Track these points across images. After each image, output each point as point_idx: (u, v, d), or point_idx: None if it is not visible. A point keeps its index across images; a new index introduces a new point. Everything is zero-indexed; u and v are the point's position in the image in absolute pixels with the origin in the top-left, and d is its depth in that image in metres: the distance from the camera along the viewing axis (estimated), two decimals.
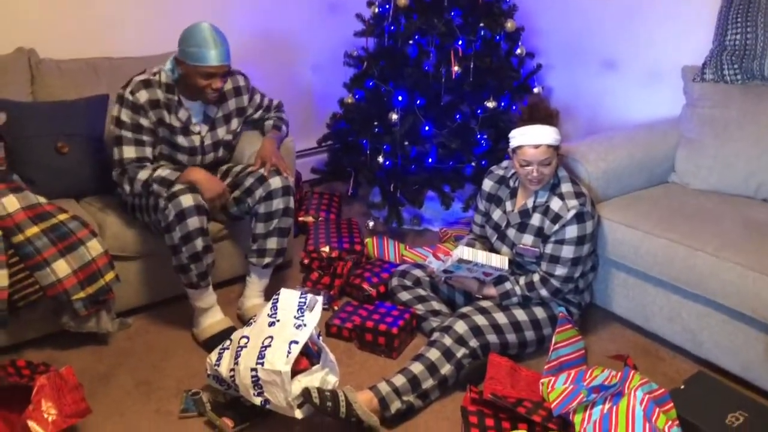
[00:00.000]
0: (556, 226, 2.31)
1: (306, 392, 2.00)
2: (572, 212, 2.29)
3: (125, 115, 2.42)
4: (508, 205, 2.46)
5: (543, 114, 2.29)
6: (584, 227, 2.31)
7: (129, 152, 2.43)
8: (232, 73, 2.65)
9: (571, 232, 2.31)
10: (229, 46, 2.42)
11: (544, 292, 2.35)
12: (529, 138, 2.26)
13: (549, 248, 2.34)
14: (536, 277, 2.37)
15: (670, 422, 1.99)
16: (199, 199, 2.35)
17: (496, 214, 2.50)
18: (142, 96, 2.41)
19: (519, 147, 2.29)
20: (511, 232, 2.43)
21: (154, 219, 2.42)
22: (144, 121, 2.43)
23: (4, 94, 2.63)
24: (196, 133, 2.56)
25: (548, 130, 2.26)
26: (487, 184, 2.56)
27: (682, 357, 2.49)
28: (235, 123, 2.68)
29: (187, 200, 2.31)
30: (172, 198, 2.31)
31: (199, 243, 2.35)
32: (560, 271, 2.34)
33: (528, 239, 2.39)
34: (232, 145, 2.73)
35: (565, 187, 2.35)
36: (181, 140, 2.53)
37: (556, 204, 2.33)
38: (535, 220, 2.38)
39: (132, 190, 2.43)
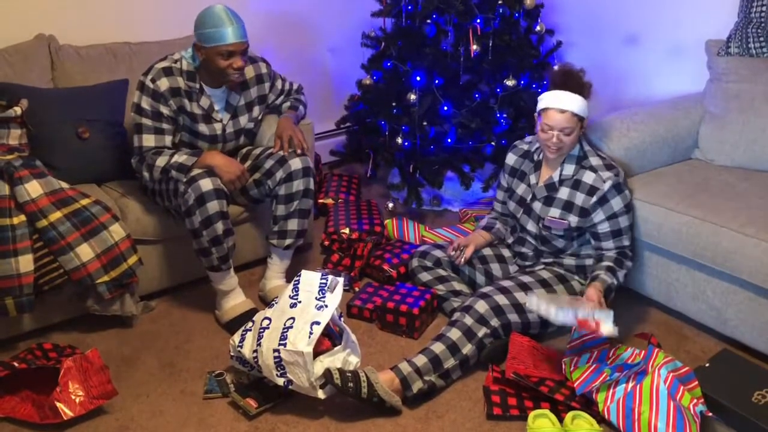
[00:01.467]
0: (594, 198, 2.30)
1: (328, 373, 2.01)
2: (609, 183, 2.29)
3: (145, 103, 2.42)
4: (533, 179, 2.44)
5: (575, 82, 2.27)
6: (625, 196, 2.34)
7: (149, 141, 2.44)
8: (255, 60, 2.64)
9: (617, 203, 2.31)
10: (245, 25, 2.42)
11: (629, 264, 2.37)
12: (557, 102, 2.24)
13: (606, 225, 2.33)
14: (611, 255, 2.34)
15: (695, 400, 1.98)
16: (218, 183, 2.35)
17: (521, 189, 2.48)
18: (163, 84, 2.42)
19: (545, 109, 2.27)
20: (537, 206, 2.41)
21: (175, 204, 2.43)
22: (164, 109, 2.44)
23: (26, 80, 2.65)
24: (218, 120, 2.57)
25: (577, 99, 2.25)
26: (511, 159, 2.54)
27: (706, 335, 2.46)
28: (256, 111, 2.68)
29: (206, 184, 2.32)
30: (192, 182, 2.32)
31: (219, 226, 2.36)
32: (627, 240, 2.37)
33: (555, 212, 2.37)
34: (253, 132, 2.74)
35: (595, 161, 2.34)
36: (202, 128, 2.54)
37: (588, 177, 2.32)
38: (563, 193, 2.36)
39: (151, 177, 2.44)
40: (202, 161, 2.39)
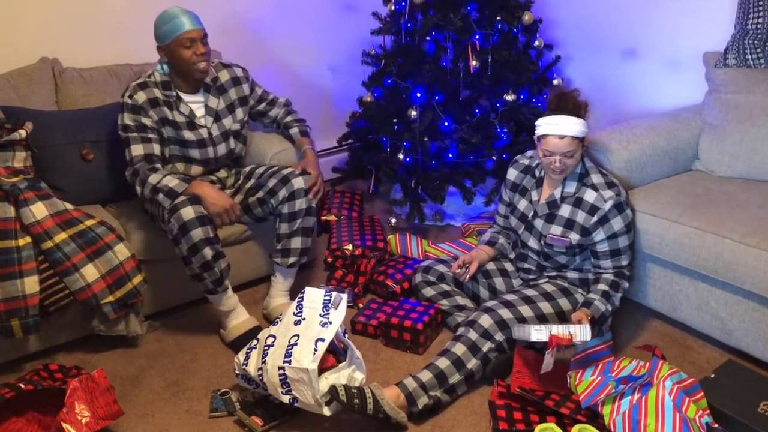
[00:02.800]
0: (595, 218, 2.30)
1: (333, 389, 2.01)
2: (609, 203, 2.29)
3: (128, 119, 2.48)
4: (534, 195, 2.45)
5: (571, 105, 2.27)
6: (626, 216, 2.33)
7: (137, 150, 2.47)
8: (230, 66, 2.71)
9: (617, 223, 2.31)
10: (198, 16, 2.49)
11: (626, 285, 2.39)
12: (555, 128, 2.24)
13: (605, 245, 2.33)
14: (609, 277, 2.36)
15: (700, 411, 1.98)
16: (201, 210, 2.35)
17: (522, 204, 2.49)
18: (141, 97, 2.49)
19: (543, 136, 2.28)
20: (539, 223, 2.42)
21: (166, 228, 2.45)
22: (146, 120, 2.49)
23: (30, 103, 2.68)
24: (202, 125, 2.60)
25: (574, 122, 2.24)
26: (512, 174, 2.55)
27: (711, 346, 2.46)
28: (240, 113, 2.71)
29: (187, 213, 2.32)
30: (174, 211, 2.33)
31: (207, 252, 2.36)
32: (625, 260, 2.37)
33: (557, 230, 2.38)
34: (242, 134, 2.75)
35: (596, 178, 2.35)
36: (188, 135, 2.56)
37: (590, 195, 2.32)
38: (564, 211, 2.36)
39: (142, 193, 2.44)
40: (190, 189, 2.39)
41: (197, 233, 2.33)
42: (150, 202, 2.52)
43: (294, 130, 2.83)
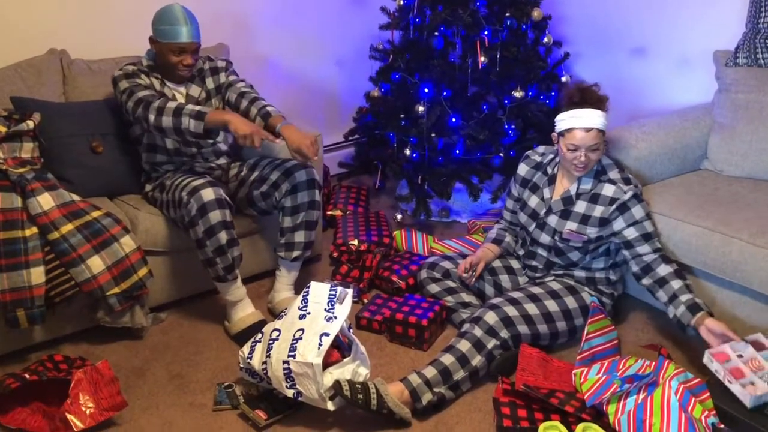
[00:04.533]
0: (614, 206, 2.30)
1: (337, 385, 2.01)
2: (630, 194, 2.29)
3: (124, 84, 2.51)
4: (546, 192, 2.44)
5: (595, 97, 2.25)
6: (645, 206, 2.34)
7: (143, 93, 2.47)
8: (215, 59, 2.75)
9: (638, 212, 2.30)
10: (199, 26, 2.53)
11: (674, 264, 2.29)
12: (581, 121, 2.21)
13: (633, 231, 2.29)
14: (650, 259, 2.27)
15: (706, 412, 1.97)
16: (220, 193, 2.37)
17: (533, 201, 2.48)
18: (130, 67, 2.56)
19: (569, 130, 2.24)
20: (553, 220, 2.40)
21: (179, 215, 2.45)
22: (141, 81, 2.54)
23: (38, 94, 2.68)
24: None
25: (599, 114, 2.23)
26: (523, 169, 2.54)
27: None
28: (215, 102, 2.73)
29: (207, 194, 2.34)
30: (194, 192, 2.34)
31: (222, 236, 2.37)
32: (659, 244, 2.34)
33: (572, 225, 2.36)
34: None
35: (613, 174, 2.34)
36: None
37: (608, 189, 2.32)
38: (580, 207, 2.35)
39: (155, 121, 2.39)
40: (217, 116, 2.35)
41: (215, 215, 2.34)
42: (160, 188, 2.52)
43: (252, 113, 2.64)
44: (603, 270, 2.45)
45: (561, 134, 2.29)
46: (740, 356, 2.05)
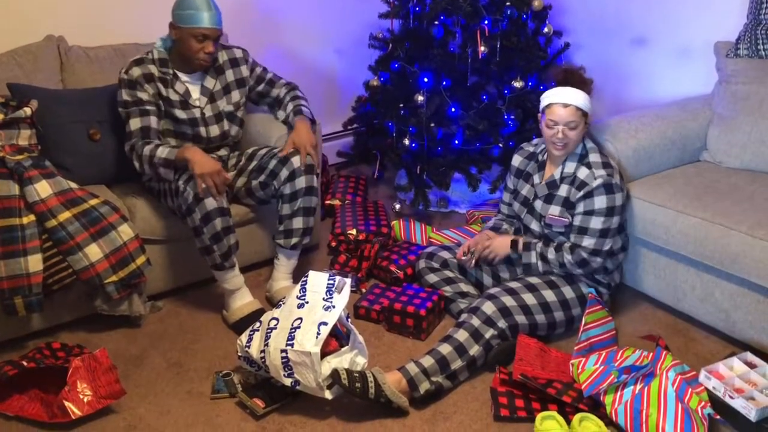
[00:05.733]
0: (581, 193, 2.29)
1: (335, 373, 2.01)
2: (599, 181, 2.27)
3: (126, 95, 2.49)
4: (536, 178, 2.45)
5: (577, 79, 2.29)
6: (613, 198, 2.28)
7: (135, 124, 2.48)
8: (230, 47, 2.70)
9: (600, 202, 2.28)
10: (221, 14, 2.49)
11: (568, 257, 2.32)
12: (560, 97, 2.26)
13: (578, 219, 2.31)
14: (566, 244, 2.35)
15: (703, 403, 1.97)
16: None
17: (525, 189, 2.48)
18: (136, 71, 2.50)
19: (548, 106, 2.29)
20: (539, 204, 2.41)
21: (177, 203, 2.44)
22: (142, 95, 2.49)
23: (35, 81, 2.66)
24: (196, 106, 2.60)
25: (580, 93, 2.27)
26: (517, 160, 2.54)
27: (714, 337, 2.45)
28: (236, 95, 2.70)
29: None
30: (190, 181, 2.34)
31: (218, 223, 2.37)
32: (587, 242, 2.31)
33: (555, 210, 2.37)
34: (237, 117, 2.73)
35: (593, 157, 2.34)
36: (180, 114, 2.57)
37: (582, 172, 2.32)
38: (563, 190, 2.36)
39: (141, 167, 2.46)
40: (180, 153, 2.38)
41: (211, 202, 2.34)
42: (154, 179, 2.52)
43: (288, 109, 2.76)
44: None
45: (542, 112, 2.33)
46: (736, 374, 2.10)
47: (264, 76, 2.79)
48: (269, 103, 2.85)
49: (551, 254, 2.35)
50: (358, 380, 2.02)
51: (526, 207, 2.47)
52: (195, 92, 2.61)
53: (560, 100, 2.26)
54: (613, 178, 2.29)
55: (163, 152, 2.40)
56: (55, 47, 2.81)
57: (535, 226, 2.44)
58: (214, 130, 2.65)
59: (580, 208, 2.31)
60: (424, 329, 2.46)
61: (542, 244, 2.38)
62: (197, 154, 2.36)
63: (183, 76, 2.58)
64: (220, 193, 2.37)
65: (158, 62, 2.54)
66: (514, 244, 2.44)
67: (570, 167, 2.35)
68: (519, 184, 2.52)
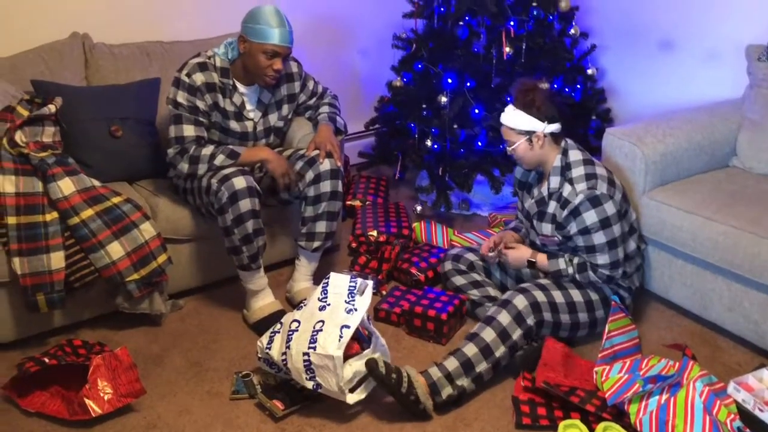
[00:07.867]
0: (566, 212, 2.24)
1: (372, 361, 2.00)
2: (580, 197, 2.21)
3: (182, 97, 2.44)
4: (536, 192, 2.41)
5: (522, 99, 2.26)
6: (603, 210, 2.21)
7: (189, 131, 2.44)
8: (286, 60, 2.64)
9: (590, 218, 2.22)
10: (293, 32, 2.44)
11: (593, 278, 2.29)
12: (502, 116, 2.31)
13: (579, 240, 2.27)
14: (588, 264, 2.31)
15: (732, 415, 1.93)
16: (251, 181, 2.36)
17: (527, 202, 2.45)
18: (199, 78, 2.44)
19: None
20: (535, 222, 2.38)
21: (206, 201, 2.43)
22: (200, 104, 2.45)
23: (60, 78, 2.67)
24: (249, 118, 2.58)
25: (512, 114, 2.27)
26: (518, 171, 2.52)
27: (742, 348, 2.40)
28: (285, 109, 2.68)
29: (239, 182, 2.32)
30: (225, 180, 2.32)
31: (250, 225, 2.36)
32: (602, 259, 2.26)
33: (546, 228, 2.34)
34: (282, 131, 2.73)
35: (576, 172, 2.26)
36: (233, 125, 2.54)
37: (566, 189, 2.26)
38: (551, 207, 2.32)
39: (190, 169, 2.42)
40: (253, 155, 2.43)
41: (246, 204, 2.33)
42: (191, 177, 2.49)
43: (322, 115, 2.74)
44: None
45: None
46: (766, 386, 2.05)
47: (316, 90, 2.77)
48: (311, 115, 2.82)
49: (578, 276, 2.31)
50: (395, 371, 2.02)
51: (529, 221, 2.43)
52: (250, 105, 2.58)
53: (501, 120, 2.31)
54: (597, 189, 2.21)
55: (226, 151, 2.41)
56: (80, 44, 2.82)
57: (538, 241, 2.41)
58: (260, 144, 2.65)
59: (573, 228, 2.26)
60: (445, 334, 2.43)
61: (568, 259, 2.32)
62: (272, 154, 2.45)
63: (241, 88, 2.54)
64: (291, 189, 2.51)
65: (219, 71, 2.48)
66: (531, 264, 2.40)
67: (555, 182, 2.30)
68: (523, 196, 2.49)
